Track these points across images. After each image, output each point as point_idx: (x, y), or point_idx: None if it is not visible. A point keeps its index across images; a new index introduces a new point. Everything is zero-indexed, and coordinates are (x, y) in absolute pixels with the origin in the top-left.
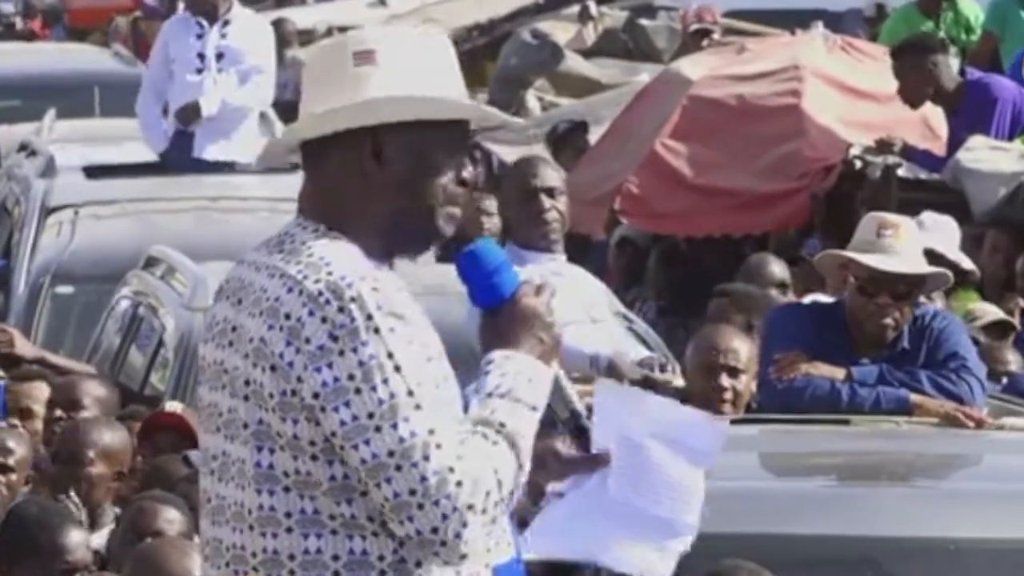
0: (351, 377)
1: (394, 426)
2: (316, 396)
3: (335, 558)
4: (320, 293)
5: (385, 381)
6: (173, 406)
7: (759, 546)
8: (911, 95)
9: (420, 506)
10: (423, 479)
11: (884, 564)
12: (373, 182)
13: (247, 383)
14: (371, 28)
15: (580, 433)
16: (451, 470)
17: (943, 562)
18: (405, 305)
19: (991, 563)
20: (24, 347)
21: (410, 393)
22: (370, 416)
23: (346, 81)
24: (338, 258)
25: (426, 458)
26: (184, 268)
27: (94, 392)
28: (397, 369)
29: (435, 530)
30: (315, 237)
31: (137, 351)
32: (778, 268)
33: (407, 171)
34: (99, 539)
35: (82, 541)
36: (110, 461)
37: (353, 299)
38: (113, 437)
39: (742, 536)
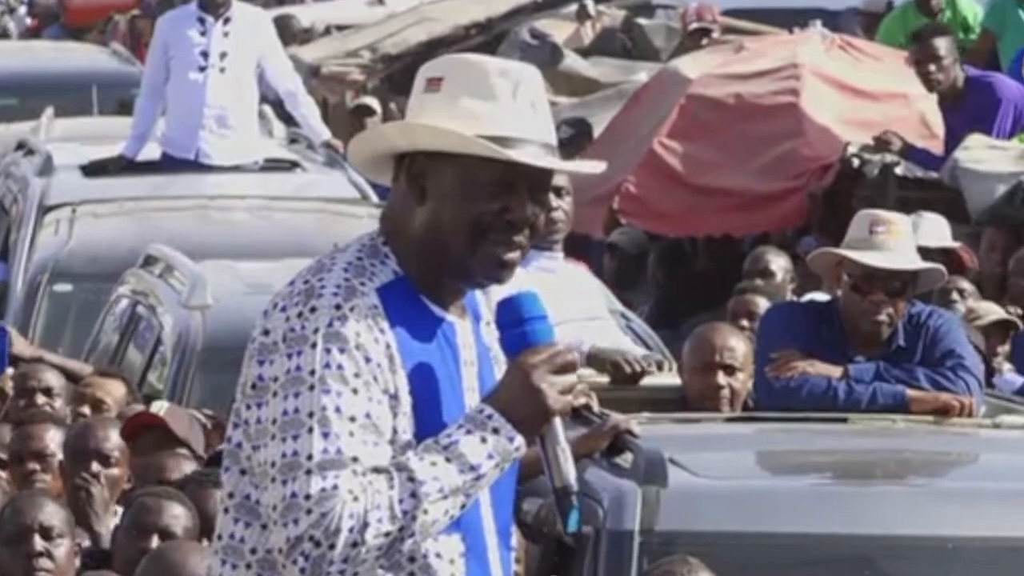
0: (275, 380)
1: (284, 440)
2: (253, 387)
3: (253, 551)
4: (299, 292)
5: (297, 397)
6: (158, 406)
7: (756, 545)
8: (939, 72)
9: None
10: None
11: (881, 563)
12: (414, 205)
13: None
14: (461, 56)
15: (563, 506)
16: (308, 497)
17: (940, 561)
18: (365, 335)
19: (988, 562)
20: (22, 346)
21: (311, 414)
22: (273, 423)
23: (413, 105)
24: (340, 267)
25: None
26: (182, 267)
27: (116, 393)
28: (311, 388)
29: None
30: (359, 244)
31: (135, 350)
32: (782, 260)
33: (439, 201)
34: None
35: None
36: (125, 465)
37: (314, 309)
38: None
39: (739, 535)
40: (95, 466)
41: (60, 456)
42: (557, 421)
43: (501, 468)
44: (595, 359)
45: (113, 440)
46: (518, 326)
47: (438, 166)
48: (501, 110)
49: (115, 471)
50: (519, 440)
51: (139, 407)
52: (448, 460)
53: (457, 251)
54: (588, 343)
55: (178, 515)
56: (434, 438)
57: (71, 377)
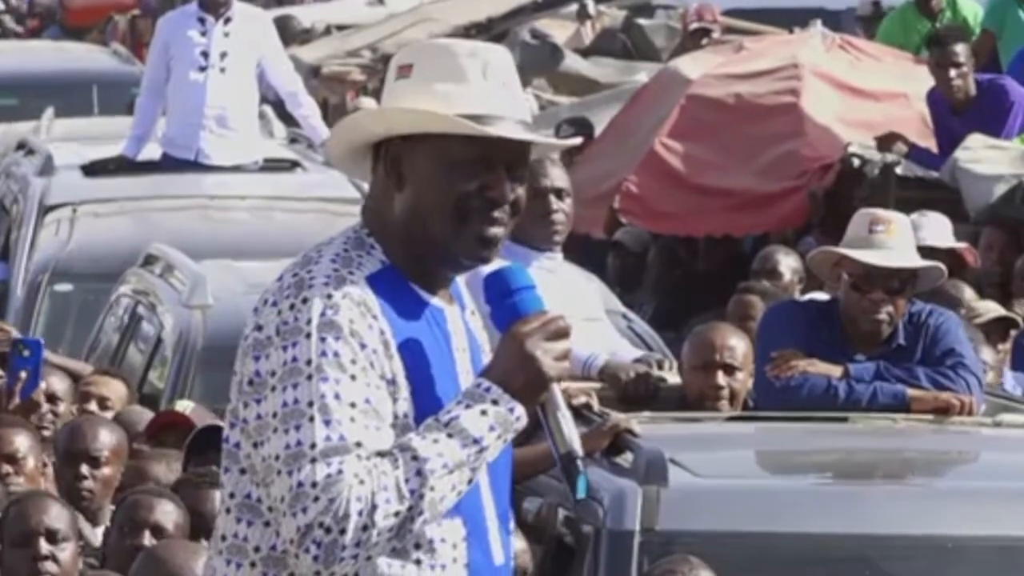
0: (272, 374)
1: (286, 431)
2: (250, 383)
3: (256, 549)
4: (288, 285)
5: (296, 388)
6: (183, 405)
7: (756, 544)
8: (959, 79)
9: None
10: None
11: (881, 562)
12: (393, 192)
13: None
14: (429, 41)
15: (569, 473)
16: (315, 485)
17: (940, 560)
18: (359, 322)
19: (988, 561)
20: None
21: (311, 404)
22: (273, 416)
23: (387, 94)
24: (328, 259)
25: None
26: (183, 266)
27: (118, 391)
28: (309, 378)
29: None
30: (343, 237)
31: (136, 349)
32: (791, 259)
33: (417, 185)
34: (97, 536)
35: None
36: (119, 463)
37: (305, 300)
38: (120, 439)
39: (740, 535)
40: (84, 468)
41: (32, 458)
42: (556, 388)
43: (504, 440)
44: (606, 374)
45: (103, 440)
46: (507, 297)
47: (415, 150)
48: (473, 89)
49: (106, 471)
50: (519, 409)
51: (137, 407)
52: (450, 436)
53: (439, 233)
54: (602, 357)
55: (169, 511)
56: (434, 416)
57: (73, 377)
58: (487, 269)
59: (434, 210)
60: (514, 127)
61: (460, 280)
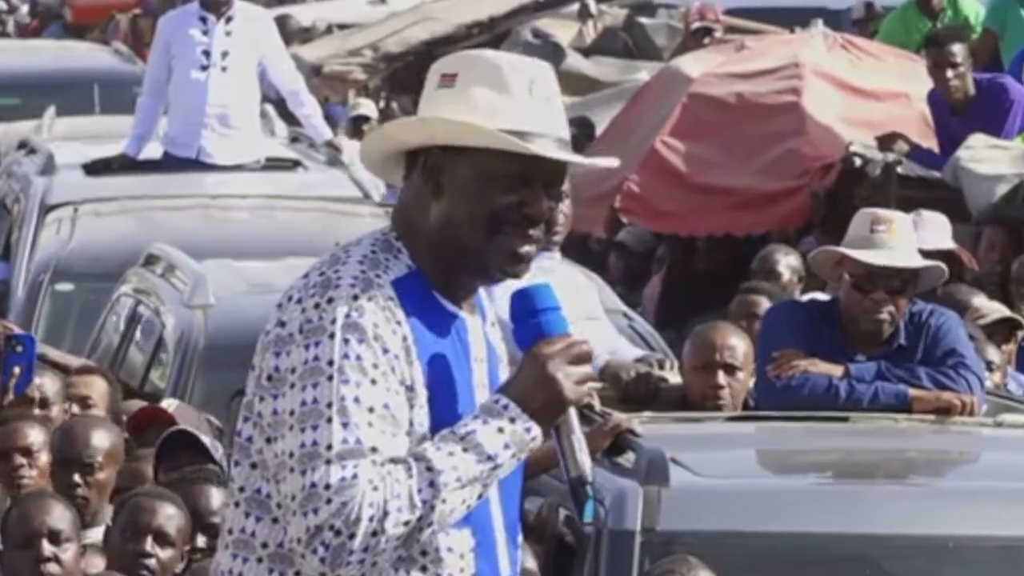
0: (292, 371)
1: (303, 430)
2: (269, 379)
3: (264, 545)
4: (314, 284)
5: (315, 387)
6: (168, 403)
7: (757, 544)
8: (956, 79)
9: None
10: (310, 486)
11: (882, 562)
12: (429, 200)
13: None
14: (474, 52)
15: (578, 496)
16: (328, 487)
17: (941, 560)
18: (383, 326)
19: (989, 561)
20: None
21: (329, 405)
22: (291, 414)
23: (426, 101)
24: (355, 259)
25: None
26: (184, 266)
27: (99, 388)
28: (330, 379)
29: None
30: (371, 238)
31: (137, 349)
32: (791, 259)
33: (455, 195)
34: (95, 535)
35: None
36: (115, 464)
37: (331, 300)
38: (115, 440)
39: (740, 535)
40: (77, 476)
41: (44, 453)
42: (572, 411)
43: (518, 458)
44: (607, 373)
45: (95, 444)
46: (532, 317)
47: (455, 160)
48: (517, 104)
49: (100, 476)
50: (536, 430)
51: (136, 402)
52: (465, 450)
53: (473, 245)
54: (603, 357)
55: (172, 515)
56: (451, 428)
57: (65, 372)
58: (510, 282)
59: (469, 221)
60: (554, 145)
61: (482, 291)
